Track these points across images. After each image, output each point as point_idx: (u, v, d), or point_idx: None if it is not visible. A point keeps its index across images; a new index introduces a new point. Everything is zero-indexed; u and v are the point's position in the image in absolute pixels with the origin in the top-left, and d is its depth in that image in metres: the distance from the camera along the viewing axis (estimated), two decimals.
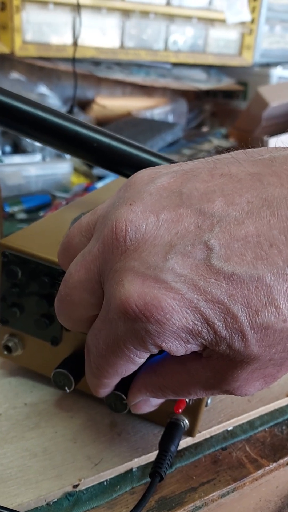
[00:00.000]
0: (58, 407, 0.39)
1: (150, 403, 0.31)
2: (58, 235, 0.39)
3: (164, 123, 1.06)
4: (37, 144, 0.91)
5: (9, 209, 0.80)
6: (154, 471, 0.32)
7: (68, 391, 0.36)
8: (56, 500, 0.32)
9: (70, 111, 0.68)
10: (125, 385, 0.35)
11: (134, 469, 0.35)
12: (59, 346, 0.38)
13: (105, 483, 0.33)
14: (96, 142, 0.40)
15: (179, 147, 1.03)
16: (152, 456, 0.35)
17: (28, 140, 0.90)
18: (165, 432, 0.35)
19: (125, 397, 0.34)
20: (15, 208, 0.81)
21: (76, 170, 0.96)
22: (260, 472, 0.36)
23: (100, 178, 0.95)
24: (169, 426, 0.35)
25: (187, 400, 0.35)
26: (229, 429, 0.39)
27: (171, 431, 0.34)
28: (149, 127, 1.00)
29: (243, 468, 0.36)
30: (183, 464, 0.36)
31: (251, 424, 0.40)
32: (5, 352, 0.39)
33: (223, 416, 0.39)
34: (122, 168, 0.41)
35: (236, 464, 0.36)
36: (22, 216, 0.81)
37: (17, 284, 0.36)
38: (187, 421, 0.36)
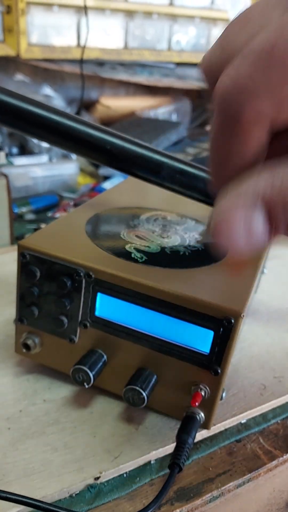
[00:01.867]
0: (77, 403, 0.40)
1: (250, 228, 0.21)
2: (74, 236, 0.40)
3: (168, 123, 1.07)
4: (44, 145, 0.92)
5: (17, 210, 0.81)
6: (173, 462, 0.33)
7: (87, 386, 0.37)
8: (78, 492, 0.33)
9: (78, 112, 0.69)
10: (144, 381, 0.36)
11: (152, 462, 0.36)
12: (76, 343, 0.39)
13: (124, 475, 0.35)
14: (109, 144, 0.41)
15: (183, 146, 1.04)
16: (169, 448, 0.36)
17: (35, 141, 0.91)
18: (182, 425, 0.36)
19: (143, 392, 0.35)
20: (24, 209, 0.82)
21: (82, 170, 0.97)
22: (274, 462, 0.37)
23: (106, 178, 0.96)
24: (185, 419, 0.36)
25: (202, 393, 0.36)
26: (242, 421, 0.40)
27: (188, 424, 0.35)
28: (154, 127, 1.01)
29: (257, 459, 0.37)
30: (200, 456, 0.37)
31: (264, 416, 0.41)
32: (24, 350, 0.40)
33: (236, 409, 0.40)
34: (133, 169, 0.42)
35: (251, 455, 0.37)
36: (30, 216, 0.82)
37: (36, 284, 0.37)
38: (202, 415, 0.37)
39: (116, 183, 0.96)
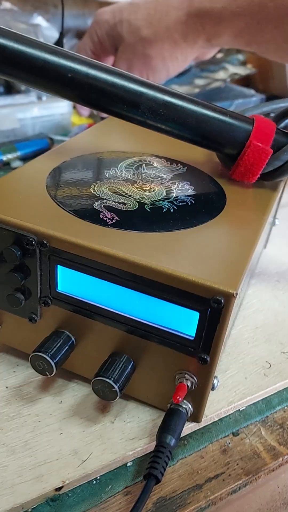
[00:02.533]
0: (44, 390, 0.34)
1: None
2: (29, 192, 0.32)
3: None
4: None
5: (2, 158, 0.73)
6: (149, 472, 0.27)
7: (49, 376, 0.31)
8: (35, 506, 0.27)
9: (59, 41, 0.58)
10: (116, 370, 0.29)
11: (129, 464, 0.30)
12: (39, 323, 0.32)
13: (94, 481, 0.29)
14: (71, 71, 0.32)
15: (190, 77, 0.91)
16: (150, 446, 0.30)
17: None
18: (164, 421, 0.29)
19: (113, 384, 0.28)
20: (10, 156, 0.74)
21: (74, 108, 0.87)
22: (278, 461, 0.31)
23: (104, 118, 0.86)
24: (168, 413, 0.30)
25: (188, 384, 0.29)
26: (241, 409, 0.34)
27: (171, 420, 0.29)
28: None
29: (257, 458, 0.31)
30: (187, 455, 0.31)
31: (267, 402, 0.34)
32: None
33: (234, 394, 0.34)
34: (103, 103, 0.33)
35: (249, 453, 0.31)
36: (17, 164, 0.73)
37: None
38: (190, 406, 0.30)
39: None
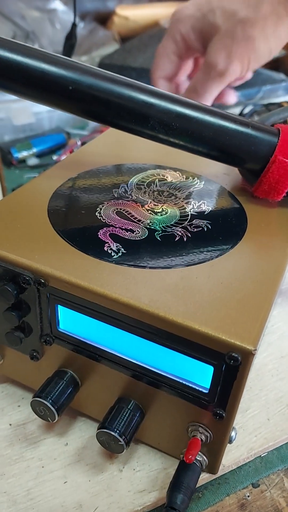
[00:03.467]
0: (49, 429, 0.31)
1: None
2: (29, 219, 0.29)
3: None
4: None
5: (18, 155, 0.70)
6: None
7: (51, 422, 0.28)
8: None
9: (71, 34, 0.53)
10: (122, 419, 0.27)
11: None
12: (42, 361, 0.30)
13: None
14: (72, 83, 0.28)
15: None
16: (161, 500, 0.28)
17: None
18: (175, 477, 0.26)
19: (119, 437, 0.26)
20: (25, 153, 0.71)
21: None
22: None
23: None
24: (180, 467, 0.27)
25: (202, 438, 0.26)
26: (262, 455, 0.31)
27: (183, 476, 0.26)
28: None
29: None
30: (202, 510, 0.28)
31: None
32: None
33: (255, 439, 0.31)
34: (110, 117, 0.30)
35: (270, 509, 0.28)
36: (33, 161, 0.71)
37: None
38: (205, 458, 0.27)
39: None
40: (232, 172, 0.36)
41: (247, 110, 0.71)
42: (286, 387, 0.34)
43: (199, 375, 0.25)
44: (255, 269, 0.26)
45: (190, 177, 0.35)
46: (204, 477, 0.29)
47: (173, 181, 0.35)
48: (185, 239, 0.28)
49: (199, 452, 0.27)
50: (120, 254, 0.27)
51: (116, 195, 0.32)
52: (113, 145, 0.40)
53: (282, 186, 0.31)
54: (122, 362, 0.27)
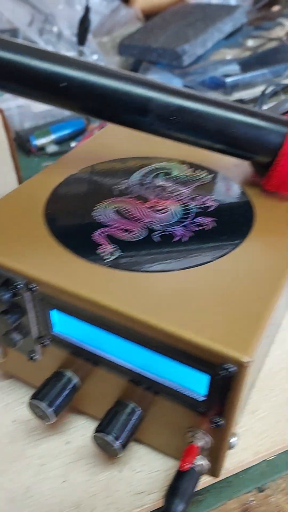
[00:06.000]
0: (52, 428, 0.31)
1: None
2: (25, 220, 0.29)
3: (222, 7, 0.84)
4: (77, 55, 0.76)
5: (36, 142, 0.70)
6: None
7: (48, 423, 0.28)
8: None
9: (84, 18, 0.51)
10: (119, 423, 0.26)
11: None
12: (41, 361, 0.30)
13: None
14: (65, 79, 0.27)
15: (241, 37, 0.82)
16: (160, 503, 0.27)
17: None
18: (174, 481, 0.26)
19: (114, 441, 0.25)
20: (43, 140, 0.70)
21: None
22: None
23: None
24: (179, 472, 0.26)
25: (200, 444, 0.25)
26: (269, 459, 0.30)
27: (181, 481, 0.26)
28: (203, 16, 0.80)
29: None
30: None
31: None
32: None
33: (262, 442, 0.30)
34: (107, 113, 0.29)
35: None
36: (52, 148, 0.70)
37: None
38: (206, 462, 0.27)
39: None
40: (243, 164, 0.34)
41: (269, 90, 0.67)
42: None
43: (195, 383, 0.24)
44: (257, 272, 0.25)
45: (198, 170, 0.34)
46: (206, 480, 0.28)
47: (179, 174, 0.33)
48: (185, 239, 0.27)
49: (200, 456, 0.27)
50: (115, 256, 0.26)
51: (116, 192, 0.31)
52: (117, 139, 0.39)
53: None
54: (117, 367, 0.26)
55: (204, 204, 0.30)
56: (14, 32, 0.78)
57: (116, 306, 0.23)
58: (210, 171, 0.34)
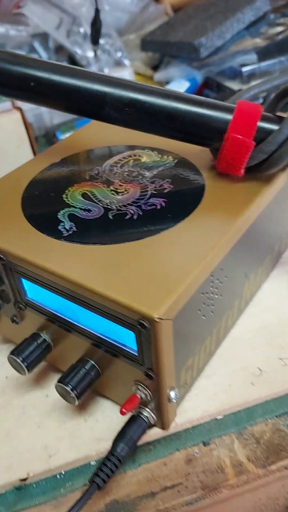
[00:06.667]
0: (35, 383, 0.36)
1: None
2: (4, 202, 0.34)
3: None
4: (90, 55, 0.81)
5: (62, 137, 0.76)
6: (91, 479, 0.28)
7: (24, 375, 0.33)
8: (4, 492, 0.31)
9: (95, 20, 0.55)
10: (77, 376, 0.31)
11: (92, 463, 0.31)
12: (21, 324, 0.34)
13: (59, 476, 0.31)
14: (33, 79, 0.32)
15: (265, 25, 0.82)
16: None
17: (79, 52, 0.81)
18: (122, 428, 0.30)
19: (71, 391, 0.30)
20: (68, 134, 0.76)
21: (139, 75, 0.86)
22: (241, 480, 0.29)
23: (167, 83, 0.83)
24: (128, 421, 0.30)
25: (141, 396, 0.29)
26: (218, 418, 0.33)
27: (128, 428, 0.30)
28: (224, 8, 0.81)
29: (220, 473, 0.30)
30: (150, 461, 0.31)
31: (249, 412, 0.33)
32: None
33: (212, 402, 0.33)
34: (72, 107, 0.33)
35: (213, 466, 0.30)
36: None
37: None
38: (153, 414, 0.30)
39: (175, 88, 0.82)
40: (207, 150, 0.37)
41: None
42: (256, 356, 0.35)
43: (128, 340, 0.27)
44: (188, 246, 0.28)
45: (166, 156, 0.37)
46: (157, 432, 0.32)
47: (146, 161, 0.37)
48: (135, 217, 0.31)
49: (147, 409, 0.30)
50: (70, 232, 0.30)
51: (88, 178, 0.35)
52: (102, 129, 0.43)
53: (238, 162, 0.32)
54: (74, 327, 0.30)
55: (162, 186, 0.34)
56: (45, 36, 0.84)
57: (60, 272, 0.27)
58: (176, 157, 0.37)
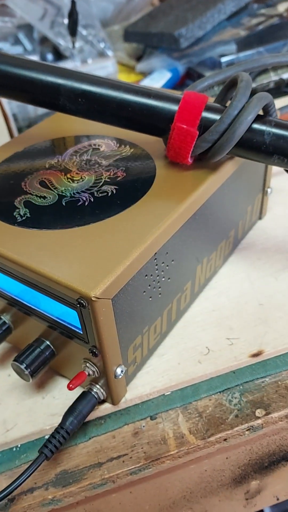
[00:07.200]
0: (1, 363, 0.38)
1: None
2: None
3: None
4: (70, 46, 0.82)
5: None
6: (40, 450, 0.30)
7: None
8: None
9: (72, 11, 0.56)
10: (31, 355, 0.32)
11: (46, 437, 0.33)
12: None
13: (15, 449, 0.33)
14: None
15: (245, 16, 0.83)
16: None
17: (63, 43, 0.82)
18: (73, 403, 0.32)
19: (25, 369, 0.32)
20: None
21: (123, 65, 0.87)
22: (182, 451, 0.31)
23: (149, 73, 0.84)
24: (79, 396, 0.32)
25: (89, 372, 0.31)
26: (166, 394, 0.35)
27: (78, 403, 0.32)
28: None
29: (162, 444, 0.32)
30: (100, 434, 0.33)
31: (195, 389, 0.35)
32: None
33: (161, 379, 0.35)
34: (28, 98, 0.34)
35: (158, 438, 0.32)
36: None
37: None
38: (102, 390, 0.32)
39: (157, 79, 0.83)
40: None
41: None
42: (206, 337, 0.37)
43: (74, 319, 0.29)
44: (132, 230, 0.30)
45: (123, 145, 0.39)
46: (108, 407, 0.34)
47: (105, 150, 0.38)
48: (86, 203, 0.32)
49: (97, 385, 0.32)
50: (24, 218, 0.32)
51: (47, 166, 0.37)
52: (66, 120, 0.44)
53: (184, 151, 0.33)
54: (26, 308, 0.32)
55: (116, 174, 0.35)
56: (29, 27, 0.85)
57: (8, 254, 0.29)
58: (133, 146, 0.38)
